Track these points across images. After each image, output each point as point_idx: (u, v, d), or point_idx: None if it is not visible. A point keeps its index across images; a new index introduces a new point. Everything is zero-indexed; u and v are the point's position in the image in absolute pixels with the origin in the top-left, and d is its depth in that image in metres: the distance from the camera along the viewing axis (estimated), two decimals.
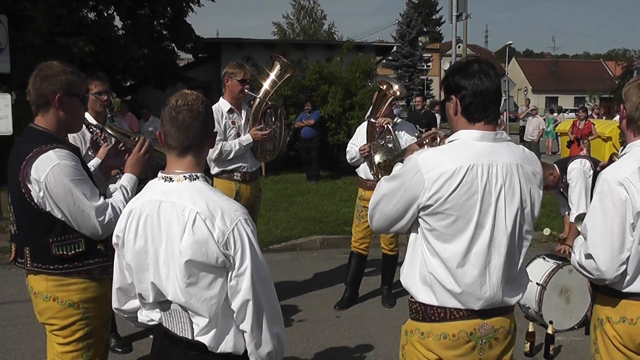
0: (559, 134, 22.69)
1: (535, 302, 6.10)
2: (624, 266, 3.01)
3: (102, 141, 4.56)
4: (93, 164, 3.86)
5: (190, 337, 2.48)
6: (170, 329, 2.54)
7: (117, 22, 19.48)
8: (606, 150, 16.18)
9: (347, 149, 6.90)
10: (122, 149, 3.82)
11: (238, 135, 6.17)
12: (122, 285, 2.71)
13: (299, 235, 10.29)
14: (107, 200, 3.36)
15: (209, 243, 2.36)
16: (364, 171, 6.77)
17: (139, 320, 2.69)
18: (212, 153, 5.97)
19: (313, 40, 37.84)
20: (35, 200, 3.24)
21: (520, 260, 2.85)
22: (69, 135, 3.76)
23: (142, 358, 5.56)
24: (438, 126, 14.81)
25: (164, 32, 20.59)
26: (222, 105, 6.16)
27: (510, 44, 60.46)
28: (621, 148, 3.64)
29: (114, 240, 2.62)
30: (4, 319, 6.50)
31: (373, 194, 2.92)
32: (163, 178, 2.52)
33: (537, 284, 6.09)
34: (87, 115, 4.85)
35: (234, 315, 2.44)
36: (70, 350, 3.42)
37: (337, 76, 17.29)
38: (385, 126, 6.18)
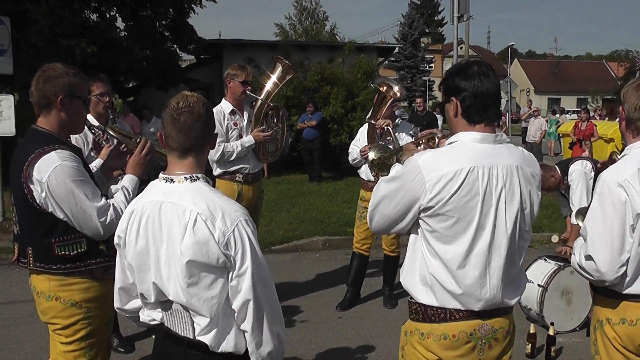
0: (561, 135, 22.68)
1: (536, 303, 6.10)
2: (624, 268, 3.01)
3: (104, 142, 4.59)
4: (95, 164, 3.89)
5: (191, 337, 2.49)
6: (171, 328, 2.55)
7: (120, 24, 19.48)
8: (608, 151, 16.13)
9: (349, 150, 6.93)
10: (124, 150, 3.84)
11: (240, 136, 6.19)
12: (124, 285, 2.72)
13: (301, 236, 10.31)
14: (108, 200, 3.38)
15: (210, 243, 2.37)
16: (365, 172, 6.79)
17: (141, 320, 2.70)
18: (215, 154, 5.99)
19: (315, 41, 37.87)
20: (38, 201, 3.26)
21: (520, 262, 2.86)
22: (71, 136, 3.79)
23: (144, 358, 5.58)
24: (439, 127, 14.81)
25: (166, 34, 20.57)
26: (224, 107, 6.18)
27: (513, 45, 60.40)
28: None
29: (116, 240, 2.64)
30: (7, 318, 6.53)
31: (372, 196, 2.92)
32: (164, 179, 2.54)
33: (538, 285, 6.09)
34: (89, 117, 4.88)
35: (235, 315, 2.45)
36: (72, 350, 3.44)
37: (339, 77, 17.29)
38: (385, 128, 6.20)
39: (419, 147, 3.34)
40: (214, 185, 2.62)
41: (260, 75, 8.43)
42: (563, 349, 5.89)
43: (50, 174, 3.20)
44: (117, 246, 2.65)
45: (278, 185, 15.32)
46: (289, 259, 9.29)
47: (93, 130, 4.90)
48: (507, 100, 26.60)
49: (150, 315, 2.64)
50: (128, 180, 3.59)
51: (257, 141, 6.18)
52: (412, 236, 2.86)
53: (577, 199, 6.02)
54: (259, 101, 6.24)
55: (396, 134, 6.24)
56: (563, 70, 78.21)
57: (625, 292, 3.07)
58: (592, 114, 26.81)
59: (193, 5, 20.26)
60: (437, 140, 3.35)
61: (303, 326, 6.44)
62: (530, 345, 5.69)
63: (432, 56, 65.08)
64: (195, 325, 2.48)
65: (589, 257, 3.06)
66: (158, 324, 2.63)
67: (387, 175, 3.10)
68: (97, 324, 3.48)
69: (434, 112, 19.12)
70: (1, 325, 6.34)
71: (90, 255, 3.39)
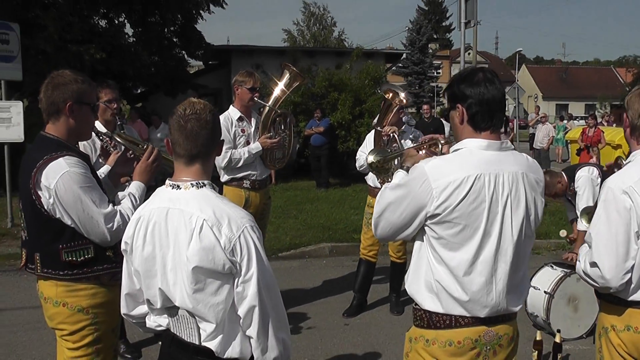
0: (568, 141, 22.61)
1: (543, 310, 6.08)
2: (629, 274, 3.01)
3: (112, 149, 4.61)
4: (103, 171, 3.91)
5: (197, 343, 2.50)
6: (177, 334, 2.57)
7: (128, 30, 19.62)
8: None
9: (357, 157, 6.93)
10: (131, 156, 3.86)
11: (247, 143, 6.21)
12: (131, 291, 2.74)
13: (308, 243, 10.31)
14: (115, 207, 3.40)
15: (216, 250, 2.39)
16: (372, 179, 6.79)
17: (147, 325, 2.72)
18: (222, 161, 6.01)
19: (323, 47, 37.94)
20: (46, 207, 3.28)
21: (523, 268, 2.86)
22: (79, 143, 3.81)
23: None
24: (447, 134, 14.79)
25: (174, 40, 20.68)
26: (231, 113, 6.21)
27: (520, 50, 60.39)
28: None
29: (123, 246, 2.66)
30: (15, 324, 6.56)
31: (376, 203, 2.94)
32: (171, 185, 2.56)
33: (545, 292, 6.07)
34: (97, 123, 4.90)
35: (241, 321, 2.47)
36: (79, 355, 3.45)
37: (347, 83, 17.30)
38: (391, 135, 6.20)
39: (420, 152, 3.34)
40: (221, 192, 2.63)
41: (268, 81, 8.47)
42: (569, 356, 5.88)
43: (58, 180, 3.22)
44: (124, 252, 2.67)
45: (286, 192, 15.34)
46: (296, 266, 9.29)
47: (101, 137, 4.92)
48: (515, 106, 26.56)
49: (157, 321, 2.65)
50: (135, 186, 3.62)
51: (265, 148, 6.20)
52: (417, 243, 2.87)
53: (583, 205, 6.00)
54: (267, 108, 6.26)
55: (402, 140, 6.25)
56: (571, 76, 77.98)
57: (630, 298, 3.07)
58: (600, 120, 26.72)
59: (201, 11, 20.36)
60: (440, 146, 3.35)
61: (310, 333, 6.45)
62: (536, 352, 5.67)
63: (440, 62, 65.15)
64: (201, 331, 2.49)
65: (593, 264, 3.06)
66: (164, 330, 2.64)
67: (383, 177, 3.11)
68: (104, 329, 3.50)
69: (441, 119, 19.10)
70: (9, 331, 6.37)
71: (97, 261, 3.41)
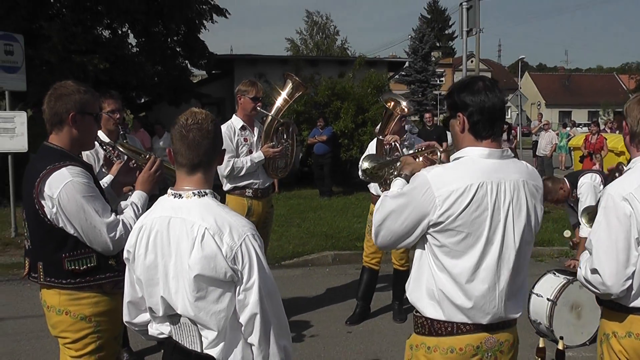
0: (572, 148, 22.60)
1: (546, 317, 6.07)
2: (630, 281, 3.01)
3: (115, 158, 4.63)
4: (106, 180, 3.93)
5: (199, 350, 2.52)
6: (179, 342, 2.58)
7: (131, 40, 19.71)
8: None
9: (359, 165, 6.93)
10: (134, 166, 3.89)
11: (250, 152, 6.23)
12: (133, 299, 2.75)
13: (311, 251, 10.31)
14: (118, 216, 3.43)
15: (218, 258, 2.40)
16: (375, 187, 6.79)
17: (149, 333, 2.73)
18: (224, 170, 6.03)
19: (325, 56, 38.03)
20: (49, 216, 3.30)
21: (522, 274, 2.87)
22: (82, 152, 3.83)
23: None
24: (449, 142, 14.80)
25: (178, 49, 20.75)
26: (234, 122, 6.23)
27: (523, 58, 60.39)
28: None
29: (125, 255, 2.67)
30: (18, 333, 6.57)
31: (377, 212, 2.93)
32: (173, 194, 2.58)
33: (547, 299, 6.06)
34: (100, 133, 4.94)
35: (242, 328, 2.48)
36: None
37: (350, 92, 17.32)
38: (393, 144, 6.21)
39: (417, 160, 3.36)
40: (223, 201, 2.65)
41: (271, 91, 8.50)
42: None
43: (61, 190, 3.25)
44: (126, 261, 2.69)
45: (289, 200, 15.35)
46: (299, 274, 9.29)
47: (104, 147, 4.96)
48: (518, 114, 26.54)
49: (159, 329, 2.66)
50: (137, 196, 3.64)
51: (267, 157, 6.23)
52: (418, 251, 2.89)
53: None
54: (269, 117, 6.29)
55: (404, 149, 6.26)
56: (574, 83, 78.04)
57: (631, 305, 3.07)
58: (603, 127, 26.71)
59: (204, 21, 20.42)
60: (439, 154, 3.37)
61: (313, 341, 6.45)
62: (539, 359, 5.67)
63: (442, 70, 65.14)
64: (203, 338, 2.50)
65: (594, 271, 3.06)
66: (166, 338, 2.65)
67: (376, 183, 3.11)
68: (107, 337, 3.51)
69: (444, 127, 19.11)
70: (12, 340, 6.38)
71: (100, 270, 3.43)
